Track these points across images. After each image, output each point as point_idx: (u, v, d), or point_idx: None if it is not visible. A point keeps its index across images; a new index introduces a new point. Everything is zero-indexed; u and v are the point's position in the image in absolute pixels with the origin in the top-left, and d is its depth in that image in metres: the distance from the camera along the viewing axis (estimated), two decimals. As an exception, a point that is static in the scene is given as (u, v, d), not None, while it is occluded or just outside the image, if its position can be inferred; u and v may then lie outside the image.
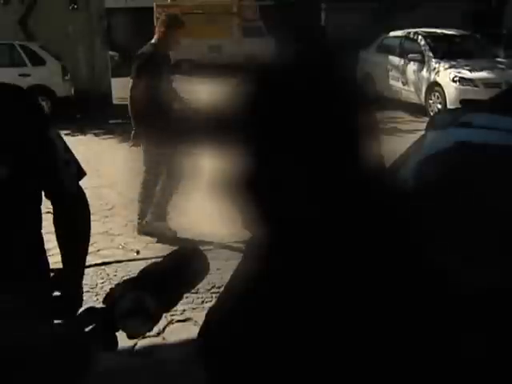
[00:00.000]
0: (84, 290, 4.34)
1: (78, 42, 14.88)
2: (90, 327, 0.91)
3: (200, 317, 4.02)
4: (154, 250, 5.23)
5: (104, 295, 0.96)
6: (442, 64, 12.70)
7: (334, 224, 0.87)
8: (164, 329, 3.93)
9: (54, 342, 0.87)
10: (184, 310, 4.13)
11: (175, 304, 0.97)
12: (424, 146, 2.60)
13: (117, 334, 0.93)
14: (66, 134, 11.43)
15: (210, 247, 5.14)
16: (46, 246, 5.37)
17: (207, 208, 6.46)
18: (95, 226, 6.53)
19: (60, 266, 5.32)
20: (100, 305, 0.95)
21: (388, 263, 0.84)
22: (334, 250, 0.87)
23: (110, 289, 0.95)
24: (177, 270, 0.97)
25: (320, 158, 0.85)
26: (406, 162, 2.50)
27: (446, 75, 12.37)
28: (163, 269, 0.97)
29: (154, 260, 1.06)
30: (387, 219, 0.88)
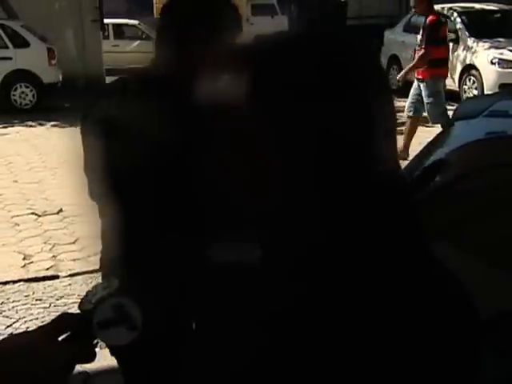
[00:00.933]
0: (71, 300, 4.45)
1: (65, 20, 14.94)
2: (64, 336, 0.90)
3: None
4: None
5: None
6: (479, 44, 12.63)
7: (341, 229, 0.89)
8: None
9: (23, 352, 0.87)
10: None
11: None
12: (451, 136, 2.60)
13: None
14: (54, 126, 11.55)
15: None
16: (28, 252, 5.41)
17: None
18: (85, 229, 6.57)
19: (42, 273, 5.31)
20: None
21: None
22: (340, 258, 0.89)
23: (87, 292, 0.93)
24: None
25: (323, 155, 0.86)
26: (432, 154, 2.50)
27: (483, 57, 12.31)
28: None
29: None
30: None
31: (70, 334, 0.90)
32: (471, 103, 3.26)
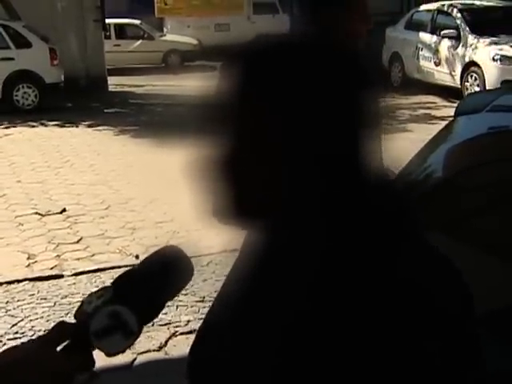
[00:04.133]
0: (76, 299, 4.46)
1: (67, 20, 14.94)
2: (63, 345, 0.91)
3: (206, 328, 4.04)
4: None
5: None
6: (480, 41, 12.60)
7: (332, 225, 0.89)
8: (166, 342, 3.95)
9: (23, 361, 0.87)
10: (188, 321, 4.16)
11: (157, 315, 0.96)
12: (454, 132, 2.60)
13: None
14: (55, 125, 11.55)
15: (214, 252, 5.18)
16: (32, 251, 5.42)
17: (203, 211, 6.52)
18: (89, 228, 6.60)
19: (47, 272, 5.30)
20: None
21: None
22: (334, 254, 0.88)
23: (83, 301, 0.93)
24: (158, 276, 0.95)
25: (308, 152, 0.86)
26: (434, 150, 2.50)
27: (485, 53, 12.29)
28: (142, 275, 0.95)
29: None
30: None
31: (69, 343, 0.91)
32: (473, 99, 3.26)
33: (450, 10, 13.87)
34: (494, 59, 12.05)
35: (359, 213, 0.88)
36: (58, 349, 0.90)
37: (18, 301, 4.52)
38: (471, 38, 12.80)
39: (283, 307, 0.90)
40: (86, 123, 11.63)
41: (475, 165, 2.21)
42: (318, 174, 0.87)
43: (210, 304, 3.84)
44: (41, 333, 3.83)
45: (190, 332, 4.03)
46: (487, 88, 11.79)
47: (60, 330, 0.92)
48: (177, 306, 4.24)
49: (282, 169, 0.87)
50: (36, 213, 6.60)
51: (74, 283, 4.80)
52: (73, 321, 0.93)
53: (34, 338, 0.95)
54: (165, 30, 23.64)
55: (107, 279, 4.90)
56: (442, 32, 13.54)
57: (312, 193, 0.88)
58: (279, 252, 0.94)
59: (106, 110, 12.98)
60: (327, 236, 0.88)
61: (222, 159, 0.88)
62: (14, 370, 0.86)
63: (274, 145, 0.86)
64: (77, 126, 11.46)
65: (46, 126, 11.65)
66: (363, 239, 0.87)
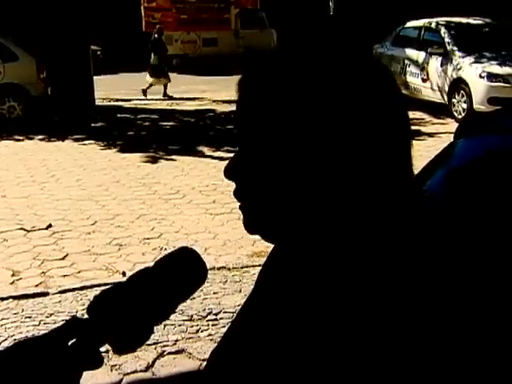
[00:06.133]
0: (61, 318, 4.38)
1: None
2: (73, 341, 0.90)
3: (195, 348, 3.99)
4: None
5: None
6: (467, 58, 12.70)
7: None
8: (154, 362, 3.89)
9: (32, 357, 0.86)
10: (176, 341, 4.10)
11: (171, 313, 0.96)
12: (454, 156, 2.56)
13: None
14: (41, 139, 11.49)
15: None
16: (16, 268, 5.34)
17: (200, 227, 6.51)
18: (75, 244, 6.53)
19: (32, 290, 5.23)
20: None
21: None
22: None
23: (94, 297, 0.94)
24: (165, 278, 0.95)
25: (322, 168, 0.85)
26: (433, 174, 2.46)
27: (472, 70, 12.38)
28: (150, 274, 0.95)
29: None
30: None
31: (78, 339, 0.90)
32: (477, 120, 3.22)
33: (437, 27, 13.98)
34: (480, 76, 12.14)
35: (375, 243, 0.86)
36: (69, 344, 0.90)
37: (2, 319, 4.43)
38: (458, 55, 12.91)
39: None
40: (73, 137, 11.58)
41: (477, 191, 2.17)
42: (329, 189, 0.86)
43: (200, 323, 3.79)
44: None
45: (177, 352, 3.98)
46: (474, 105, 11.87)
47: (71, 325, 0.92)
48: (164, 325, 4.18)
49: (286, 185, 0.87)
50: (21, 228, 6.52)
51: (60, 301, 4.72)
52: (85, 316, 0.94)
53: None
54: (152, 44, 23.71)
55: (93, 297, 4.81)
56: (429, 49, 13.65)
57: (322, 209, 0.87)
58: (285, 263, 0.93)
59: (92, 124, 12.93)
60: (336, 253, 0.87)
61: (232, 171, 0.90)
62: (23, 364, 0.86)
63: (280, 157, 0.86)
64: (63, 140, 11.40)
65: (31, 139, 11.58)
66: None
